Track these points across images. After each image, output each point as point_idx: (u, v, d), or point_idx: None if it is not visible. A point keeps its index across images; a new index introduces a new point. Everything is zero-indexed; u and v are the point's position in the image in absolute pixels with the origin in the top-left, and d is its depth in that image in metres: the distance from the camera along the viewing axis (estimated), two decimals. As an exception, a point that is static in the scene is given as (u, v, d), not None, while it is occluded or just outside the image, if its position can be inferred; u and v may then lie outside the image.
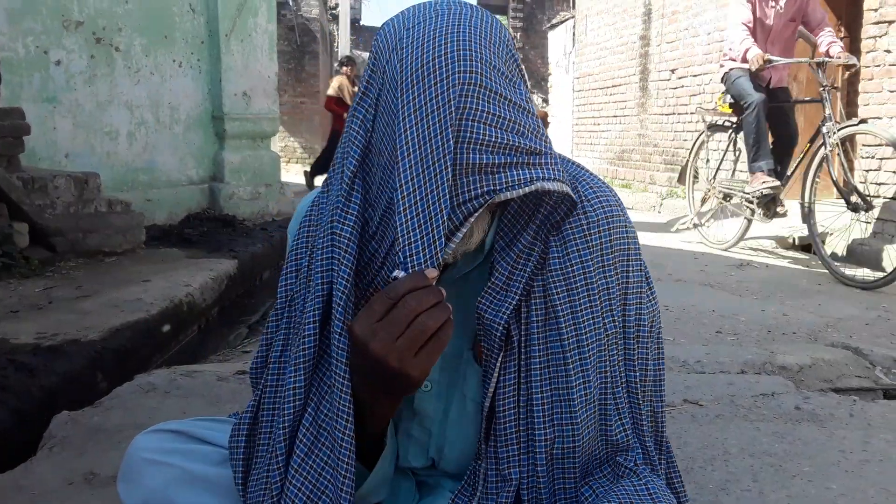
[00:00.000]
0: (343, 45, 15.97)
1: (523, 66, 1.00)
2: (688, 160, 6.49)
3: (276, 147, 7.41)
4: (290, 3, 13.91)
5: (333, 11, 17.82)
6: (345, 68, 10.89)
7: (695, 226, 6.30)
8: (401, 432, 1.11)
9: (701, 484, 1.79)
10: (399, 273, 0.87)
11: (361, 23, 21.61)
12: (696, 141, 6.47)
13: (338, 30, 17.43)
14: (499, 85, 0.91)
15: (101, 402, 2.32)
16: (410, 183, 0.87)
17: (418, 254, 0.87)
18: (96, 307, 3.39)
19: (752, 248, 6.09)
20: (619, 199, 1.07)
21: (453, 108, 0.88)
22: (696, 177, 6.50)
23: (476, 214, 0.89)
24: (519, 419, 1.01)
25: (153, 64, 5.91)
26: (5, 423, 2.32)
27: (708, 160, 6.46)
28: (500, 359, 0.99)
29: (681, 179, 6.60)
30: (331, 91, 10.82)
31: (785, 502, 1.71)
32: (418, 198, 0.87)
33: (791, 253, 6.04)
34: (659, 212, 8.98)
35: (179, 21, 6.12)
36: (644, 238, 6.51)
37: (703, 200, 6.28)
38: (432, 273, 0.86)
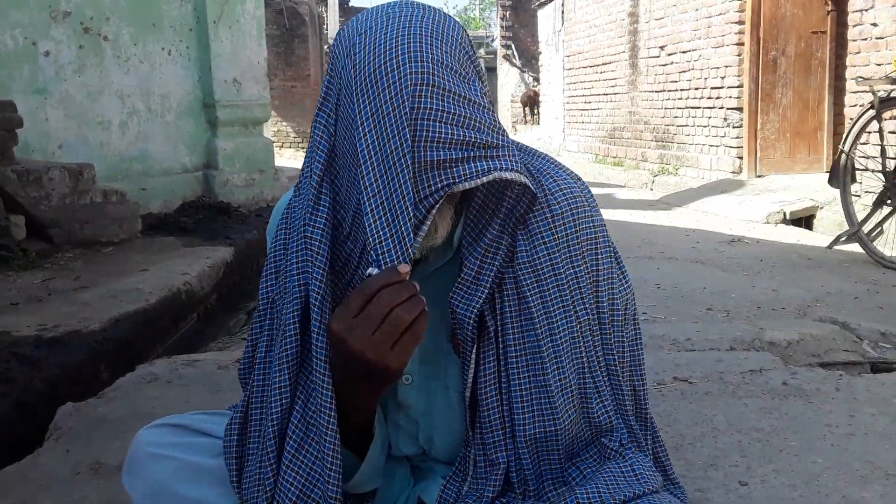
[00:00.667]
0: (332, 27, 15.91)
1: (480, 63, 1.04)
2: (842, 151, 4.74)
3: (268, 132, 7.44)
4: (278, -13, 13.86)
5: (322, -7, 17.75)
6: None
7: (858, 239, 4.63)
8: (390, 423, 1.16)
9: (690, 460, 1.84)
10: (373, 270, 0.91)
11: (350, 4, 21.49)
12: (857, 123, 4.71)
13: (327, 12, 17.36)
14: (451, 83, 0.93)
15: (104, 393, 2.37)
16: (374, 184, 0.91)
17: (389, 251, 0.90)
18: (95, 298, 3.43)
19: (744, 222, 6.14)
20: (585, 189, 1.10)
21: (407, 109, 0.91)
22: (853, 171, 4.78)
23: (436, 207, 0.92)
24: (502, 406, 1.05)
25: (142, 52, 5.91)
26: (10, 415, 2.37)
27: (883, 148, 4.60)
28: (474, 349, 1.04)
29: (833, 180, 4.85)
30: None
31: (771, 476, 1.76)
32: (383, 198, 0.91)
33: (782, 227, 6.09)
34: (651, 189, 9.03)
35: (167, 8, 6.11)
36: (636, 216, 6.57)
37: (880, 202, 4.61)
38: (405, 268, 0.90)
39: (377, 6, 1.03)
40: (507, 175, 0.94)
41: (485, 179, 0.92)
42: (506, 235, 1.03)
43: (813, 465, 1.81)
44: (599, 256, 1.08)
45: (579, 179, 1.12)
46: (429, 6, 1.02)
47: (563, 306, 1.05)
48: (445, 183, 0.91)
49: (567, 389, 1.05)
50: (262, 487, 1.00)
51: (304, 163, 1.05)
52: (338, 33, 1.04)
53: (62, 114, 5.36)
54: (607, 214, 6.62)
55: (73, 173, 4.55)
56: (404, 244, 0.91)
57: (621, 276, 1.12)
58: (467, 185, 0.92)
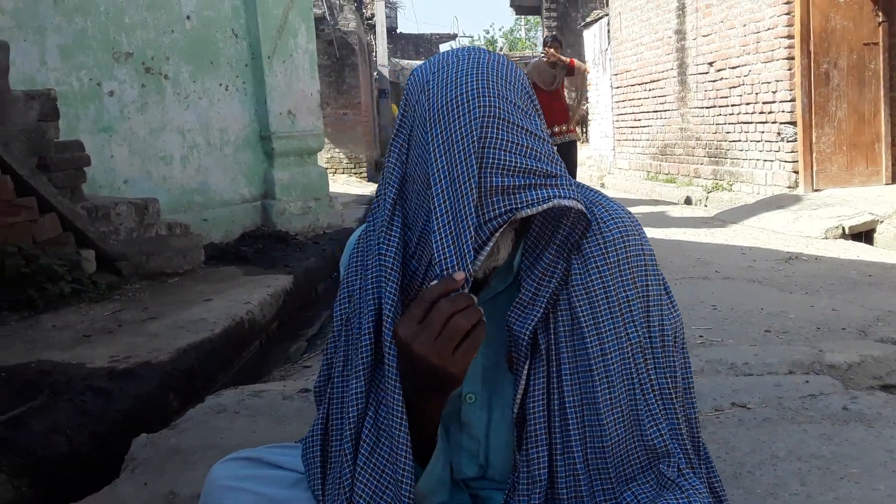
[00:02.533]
0: (381, 55, 16.16)
1: (536, 101, 1.13)
2: None
3: (321, 159, 7.62)
4: (328, 18, 14.14)
5: (370, 22, 18.04)
6: (545, 48, 8.74)
7: None
8: (452, 445, 1.21)
9: (749, 489, 1.85)
10: (435, 282, 1.00)
11: (398, 31, 21.80)
12: None
13: (375, 39, 17.63)
14: (515, 116, 1.04)
15: (176, 424, 2.46)
16: (443, 206, 1.00)
17: (452, 265, 0.99)
18: (163, 329, 3.56)
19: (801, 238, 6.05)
20: (634, 219, 1.17)
21: (475, 138, 1.01)
22: None
23: (500, 230, 1.01)
24: (551, 422, 1.10)
25: (201, 89, 6.11)
26: (86, 446, 2.47)
27: None
28: (526, 366, 1.10)
29: None
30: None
31: None
32: (449, 218, 1.00)
33: (841, 243, 5.98)
34: (705, 206, 8.95)
35: (223, 46, 6.32)
36: (690, 234, 6.52)
37: None
38: (460, 276, 0.99)
39: (447, 51, 1.14)
40: (566, 202, 1.02)
41: (546, 206, 1.01)
42: (561, 260, 1.09)
43: (874, 492, 1.80)
44: (650, 283, 1.13)
45: (629, 212, 1.18)
46: (491, 51, 1.13)
47: (615, 327, 1.09)
48: (509, 208, 1.01)
49: (617, 409, 1.08)
50: (342, 489, 1.07)
51: (378, 190, 1.15)
52: (412, 73, 1.15)
53: (126, 150, 5.58)
54: (661, 233, 6.59)
55: (139, 208, 4.73)
56: (465, 259, 0.99)
57: (670, 305, 1.16)
58: (530, 212, 1.01)
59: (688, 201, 9.39)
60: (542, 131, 1.07)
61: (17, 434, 2.36)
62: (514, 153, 1.01)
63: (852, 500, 1.77)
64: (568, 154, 8.53)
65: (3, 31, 4.71)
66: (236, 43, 6.43)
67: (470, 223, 0.99)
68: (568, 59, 8.81)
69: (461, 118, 1.02)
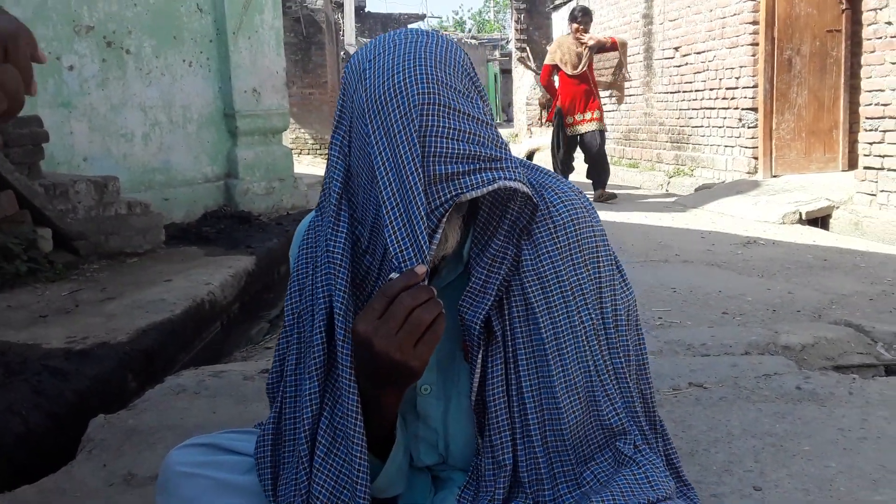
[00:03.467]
0: (349, 34, 16.01)
1: (481, 83, 1.12)
2: None
3: (287, 139, 7.55)
4: (295, -5, 13.97)
5: (338, 0, 17.85)
6: (574, 24, 8.01)
7: None
8: (410, 434, 1.22)
9: (705, 465, 1.89)
10: (394, 275, 0.99)
11: (366, 10, 21.61)
12: None
13: (343, 19, 17.46)
14: (456, 101, 1.02)
15: (134, 405, 2.44)
16: (392, 198, 0.99)
17: (410, 257, 0.98)
18: (122, 309, 3.51)
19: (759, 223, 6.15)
20: (585, 201, 1.17)
21: (416, 127, 0.99)
22: None
23: (446, 216, 1.00)
24: (511, 407, 1.11)
25: (164, 65, 6.01)
26: (43, 426, 2.44)
27: None
28: (480, 354, 1.10)
29: None
30: (547, 58, 8.30)
31: (785, 481, 1.80)
32: (400, 210, 0.99)
33: (798, 228, 6.09)
34: (666, 190, 9.04)
35: (187, 21, 6.21)
36: (651, 219, 6.59)
37: None
38: (421, 269, 0.98)
39: (384, 35, 1.11)
40: (511, 184, 1.02)
41: (490, 188, 1.00)
42: (510, 245, 1.09)
43: (826, 469, 1.85)
44: (601, 264, 1.14)
45: (580, 192, 1.18)
46: (432, 32, 1.11)
47: (567, 311, 1.11)
48: (454, 193, 0.99)
49: (573, 392, 1.10)
50: (298, 492, 1.07)
51: (324, 184, 1.12)
52: (349, 61, 1.13)
53: (86, 127, 5.47)
54: (622, 217, 6.65)
55: (99, 186, 4.65)
56: (422, 250, 0.98)
57: (623, 284, 1.17)
58: (474, 194, 1.00)
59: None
60: (484, 115, 1.05)
61: (-29, 414, 2.32)
62: (457, 139, 1.00)
63: (805, 476, 1.81)
64: (590, 145, 7.88)
65: (-43, 3, 4.59)
66: (201, 18, 6.32)
67: (421, 213, 0.98)
68: (607, 39, 8.05)
69: (400, 107, 1.00)
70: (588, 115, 7.80)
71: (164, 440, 2.14)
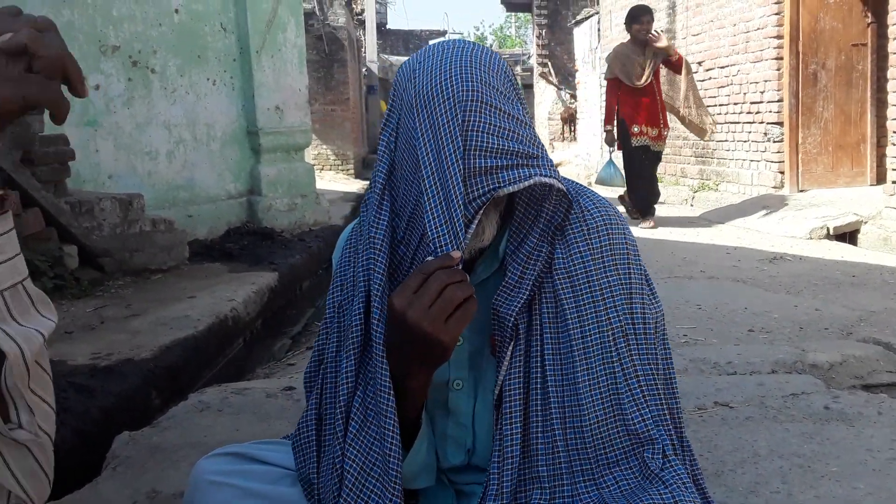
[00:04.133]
0: (370, 51, 16.13)
1: (521, 88, 1.17)
2: None
3: (308, 155, 7.58)
4: (317, 13, 14.09)
5: (360, 17, 18.00)
6: (635, 25, 6.82)
7: None
8: (438, 433, 1.23)
9: (731, 486, 1.86)
10: (430, 258, 1.04)
11: (388, 27, 21.77)
12: None
13: (364, 35, 17.59)
14: (496, 100, 1.07)
15: (158, 422, 2.45)
16: (433, 187, 1.04)
17: (446, 243, 1.03)
18: (146, 326, 3.54)
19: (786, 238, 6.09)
20: (618, 212, 1.20)
21: (459, 122, 1.05)
22: None
23: (483, 208, 1.05)
24: (531, 401, 1.12)
25: (188, 83, 6.08)
26: (69, 443, 2.46)
27: None
28: (510, 349, 1.12)
29: None
30: (607, 72, 7.14)
31: (813, 503, 1.77)
32: (440, 198, 1.04)
33: (825, 243, 6.02)
34: (691, 205, 8.98)
35: (212, 40, 6.28)
36: (676, 234, 6.54)
37: None
38: (457, 254, 1.03)
39: (434, 43, 1.18)
40: (547, 180, 1.06)
41: (527, 184, 1.04)
42: (545, 243, 1.12)
43: (854, 490, 1.82)
44: (632, 271, 1.15)
45: (613, 205, 1.21)
46: (476, 43, 1.18)
47: (595, 311, 1.11)
48: (492, 187, 1.04)
49: (595, 390, 1.10)
50: (334, 468, 1.09)
51: (370, 178, 1.18)
52: (401, 66, 1.19)
53: (112, 145, 5.54)
54: (647, 233, 6.61)
55: (124, 203, 4.70)
56: (458, 236, 1.03)
57: (651, 296, 1.17)
58: (511, 189, 1.04)
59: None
60: (523, 115, 1.10)
61: (-3, 431, 2.33)
62: (496, 136, 1.05)
63: (833, 498, 1.78)
64: (641, 165, 6.93)
65: (-13, 23, 4.66)
66: (225, 37, 6.39)
67: (459, 202, 1.03)
68: (672, 46, 6.87)
69: (445, 102, 1.06)
70: (648, 130, 6.85)
71: (188, 458, 2.14)
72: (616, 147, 7.16)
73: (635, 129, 6.89)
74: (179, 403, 2.61)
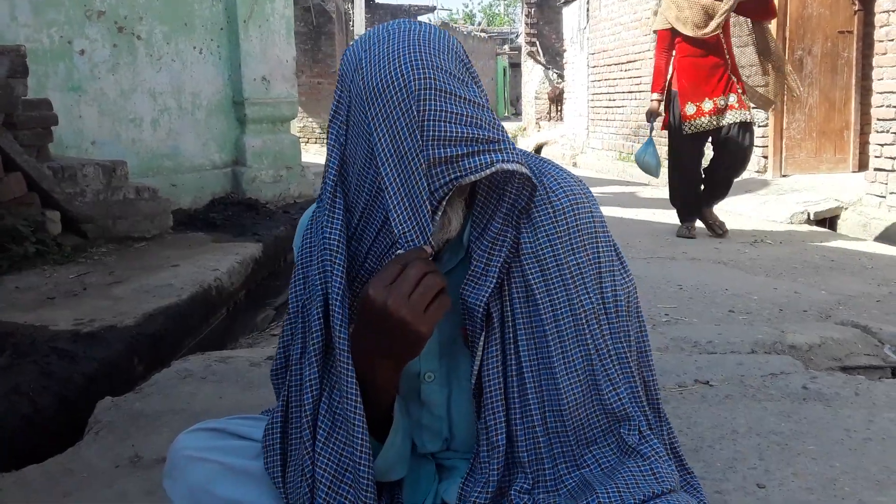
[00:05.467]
0: (358, 24, 15.99)
1: (474, 68, 1.12)
2: None
3: (294, 128, 7.53)
4: (306, -16, 13.95)
5: (348, -10, 17.83)
6: None
7: None
8: (414, 422, 1.22)
9: (709, 462, 1.89)
10: (400, 252, 1.02)
11: (376, 1, 21.56)
12: None
13: (353, 9, 17.43)
14: (451, 86, 1.03)
15: (141, 388, 2.45)
16: (394, 183, 1.01)
17: (413, 239, 1.01)
18: (129, 293, 3.52)
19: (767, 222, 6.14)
20: (585, 188, 1.18)
21: (414, 112, 1.00)
22: None
23: (447, 198, 1.02)
24: (508, 387, 1.12)
25: (174, 51, 6.01)
26: (51, 408, 2.45)
27: None
28: (482, 338, 1.11)
29: None
30: (657, 22, 5.48)
31: (790, 480, 1.80)
32: (403, 194, 1.01)
33: (806, 228, 6.08)
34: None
35: (199, 8, 6.21)
36: (659, 215, 6.58)
37: None
38: (427, 249, 1.01)
39: (378, 26, 1.13)
40: (509, 166, 1.02)
41: (489, 171, 1.01)
42: (510, 228, 1.10)
43: (831, 469, 1.85)
44: (600, 249, 1.15)
45: (580, 180, 1.19)
46: (424, 22, 1.12)
47: (567, 294, 1.11)
48: (453, 176, 1.01)
49: (572, 373, 1.10)
50: (304, 477, 1.08)
51: (323, 174, 1.14)
52: (344, 53, 1.14)
53: (96, 111, 5.48)
54: (631, 213, 6.64)
55: (107, 170, 4.66)
56: (425, 231, 1.01)
57: (623, 270, 1.17)
58: (474, 178, 1.01)
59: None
60: (480, 98, 1.06)
61: (-22, 394, 2.33)
62: (455, 123, 1.01)
63: (809, 475, 1.82)
64: (732, 145, 5.13)
65: (-29, -16, 4.59)
66: (212, 5, 6.32)
67: (423, 196, 1.00)
68: None
69: (398, 93, 1.01)
70: (723, 101, 5.10)
71: (171, 424, 2.15)
72: (659, 124, 5.68)
73: (690, 110, 5.20)
74: (162, 370, 2.61)
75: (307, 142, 14.71)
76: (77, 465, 2.00)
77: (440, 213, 1.02)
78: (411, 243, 1.00)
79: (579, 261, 1.12)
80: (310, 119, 15.26)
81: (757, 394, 2.33)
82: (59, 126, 4.69)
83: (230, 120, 6.55)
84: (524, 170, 1.05)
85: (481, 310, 1.09)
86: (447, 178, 1.01)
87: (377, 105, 1.02)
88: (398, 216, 1.01)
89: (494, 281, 1.09)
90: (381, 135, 1.02)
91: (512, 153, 1.03)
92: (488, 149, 1.02)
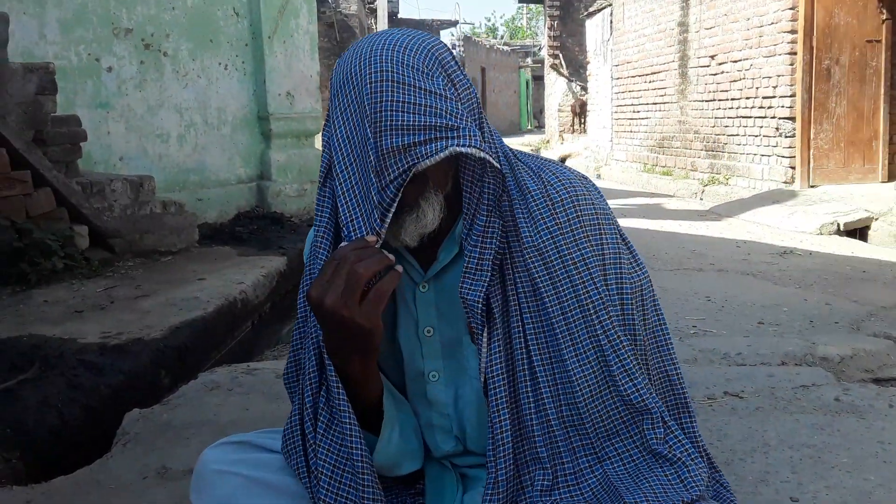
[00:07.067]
0: (382, 39, 16.07)
1: (453, 68, 1.11)
2: None
3: (318, 142, 7.55)
4: (330, 0, 14.06)
5: (371, 6, 17.96)
6: None
7: None
8: (424, 424, 1.23)
9: (741, 475, 1.85)
10: (343, 244, 1.03)
11: (399, 16, 21.71)
12: None
13: (376, 24, 17.56)
14: (411, 78, 1.03)
15: (168, 400, 2.46)
16: (345, 172, 1.04)
17: (359, 228, 1.02)
18: (156, 306, 3.55)
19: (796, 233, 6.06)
20: (587, 182, 1.18)
21: (366, 104, 1.02)
22: None
23: (401, 190, 1.02)
24: (519, 383, 1.11)
25: (200, 67, 6.07)
26: (79, 420, 2.47)
27: None
28: (485, 334, 1.10)
29: None
30: None
31: (823, 493, 1.77)
32: (352, 183, 1.03)
33: (835, 239, 6.00)
34: (701, 199, 8.95)
35: (224, 25, 6.27)
36: (685, 227, 6.53)
37: None
38: (371, 238, 1.02)
39: (364, 37, 1.15)
40: (463, 150, 1.02)
41: (442, 155, 1.01)
42: (494, 218, 1.10)
43: (865, 482, 1.81)
44: (604, 241, 1.13)
45: (583, 176, 1.19)
46: (413, 31, 1.13)
47: (572, 285, 1.10)
48: (409, 164, 1.01)
49: (585, 365, 1.09)
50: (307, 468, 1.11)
51: None
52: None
53: (123, 127, 5.54)
54: (656, 225, 6.59)
55: (135, 185, 4.70)
56: (371, 221, 1.02)
57: (632, 262, 1.16)
58: (427, 163, 1.01)
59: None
60: (445, 90, 1.05)
61: (8, 406, 2.35)
62: (410, 112, 1.01)
63: (843, 489, 1.78)
64: None
65: (3, 4, 4.67)
66: (237, 21, 6.38)
67: (371, 186, 1.01)
68: None
69: (356, 86, 1.03)
70: None
71: (198, 435, 2.15)
72: None
73: None
74: (189, 382, 2.62)
75: (331, 156, 14.80)
76: (105, 476, 2.01)
77: (393, 207, 1.02)
78: (356, 232, 1.02)
79: (583, 252, 1.11)
80: (334, 134, 15.35)
81: (788, 406, 2.29)
82: (87, 142, 4.74)
83: (255, 135, 6.61)
84: (483, 154, 1.04)
85: (480, 305, 1.09)
86: (403, 167, 1.00)
87: (337, 99, 1.06)
88: (346, 206, 1.03)
89: (489, 274, 1.09)
90: (337, 126, 1.05)
91: (472, 138, 1.03)
92: (445, 135, 1.02)
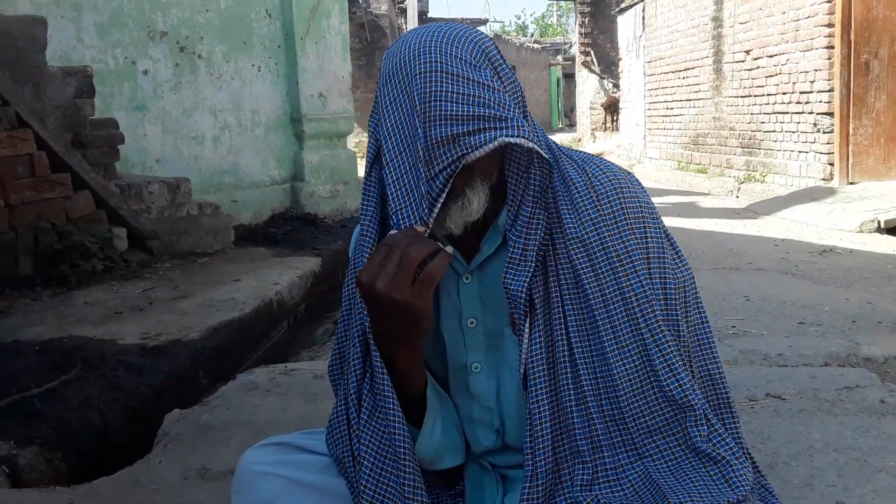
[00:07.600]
0: (412, 39, 16.09)
1: (499, 60, 1.11)
2: None
3: (350, 143, 7.57)
4: (360, 1, 14.12)
5: (401, 5, 18.00)
6: None
7: None
8: (465, 418, 1.22)
9: (785, 479, 1.82)
10: (393, 231, 1.04)
11: (429, 15, 21.71)
12: None
13: (406, 23, 17.59)
14: (459, 69, 1.04)
15: (208, 401, 2.48)
16: (395, 161, 1.05)
17: (408, 217, 1.03)
18: (194, 307, 3.58)
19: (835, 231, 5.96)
20: (631, 176, 1.17)
21: (416, 94, 1.02)
22: None
23: (452, 179, 1.02)
24: (559, 375, 1.10)
25: (234, 69, 6.13)
26: (120, 420, 2.50)
27: None
28: (527, 325, 1.10)
29: None
30: None
31: (870, 497, 1.73)
32: (402, 173, 1.04)
33: (876, 236, 5.88)
34: (737, 197, 8.84)
35: (257, 27, 6.33)
36: (721, 225, 6.45)
37: None
38: (420, 228, 1.02)
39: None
40: (512, 140, 1.02)
41: (492, 146, 1.01)
42: (540, 210, 1.10)
43: (914, 486, 1.77)
44: (649, 235, 1.12)
45: (628, 171, 1.18)
46: (458, 24, 1.14)
47: (615, 277, 1.08)
48: (458, 154, 1.01)
49: (627, 358, 1.07)
50: (351, 455, 1.12)
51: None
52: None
53: (159, 129, 5.61)
54: (692, 224, 6.52)
55: (172, 187, 4.76)
56: (419, 210, 1.03)
57: (675, 259, 1.15)
58: (477, 154, 1.01)
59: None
60: (492, 81, 1.06)
61: (51, 407, 2.39)
62: (458, 103, 1.01)
63: (891, 492, 1.74)
64: None
65: (41, 8, 4.75)
66: (270, 23, 6.43)
67: (420, 177, 1.02)
68: None
69: (405, 76, 1.04)
70: None
71: (238, 436, 2.16)
72: None
73: None
74: (228, 383, 2.64)
75: (363, 156, 14.85)
76: (147, 477, 2.03)
77: (443, 196, 1.02)
78: (405, 221, 1.02)
79: (628, 246, 1.10)
80: (365, 134, 15.39)
81: (832, 408, 2.25)
82: (124, 145, 4.81)
83: (288, 136, 6.65)
84: (531, 144, 1.04)
85: (524, 295, 1.09)
86: (452, 158, 1.01)
87: (386, 90, 1.07)
88: (394, 195, 1.04)
89: (533, 265, 1.09)
90: (387, 116, 1.06)
91: (519, 129, 1.03)
92: (494, 126, 1.02)
